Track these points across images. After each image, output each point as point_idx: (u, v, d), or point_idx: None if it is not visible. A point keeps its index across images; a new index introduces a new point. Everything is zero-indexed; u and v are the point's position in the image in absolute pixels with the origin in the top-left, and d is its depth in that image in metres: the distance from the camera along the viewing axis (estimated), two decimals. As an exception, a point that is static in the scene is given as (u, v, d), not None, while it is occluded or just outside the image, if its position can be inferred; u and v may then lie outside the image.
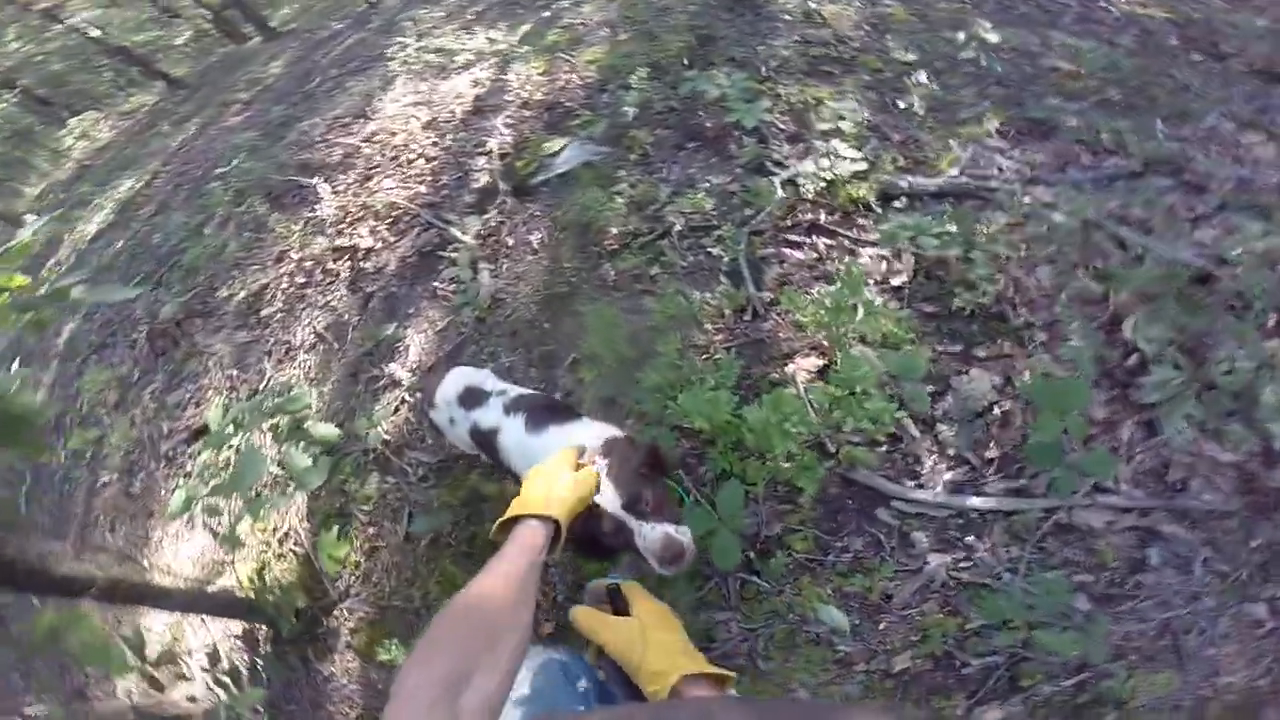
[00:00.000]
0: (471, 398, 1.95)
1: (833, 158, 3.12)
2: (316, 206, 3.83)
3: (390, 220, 3.60)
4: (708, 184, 3.21)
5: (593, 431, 1.59)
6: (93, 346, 4.16)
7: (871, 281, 2.57)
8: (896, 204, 2.94)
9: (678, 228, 3.03)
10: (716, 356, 2.46)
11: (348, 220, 3.68)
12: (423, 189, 3.73)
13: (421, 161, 3.98)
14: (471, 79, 4.60)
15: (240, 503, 2.43)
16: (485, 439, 1.85)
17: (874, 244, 2.79)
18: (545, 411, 1.74)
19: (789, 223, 2.96)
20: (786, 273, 2.75)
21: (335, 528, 2.54)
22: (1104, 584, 1.72)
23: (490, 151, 3.82)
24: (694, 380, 2.30)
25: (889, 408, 1.98)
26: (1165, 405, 1.94)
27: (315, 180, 3.98)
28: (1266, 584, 1.64)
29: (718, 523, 1.92)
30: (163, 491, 3.15)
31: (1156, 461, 1.89)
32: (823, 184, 3.03)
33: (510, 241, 3.29)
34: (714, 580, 2.04)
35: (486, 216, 3.44)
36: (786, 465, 1.96)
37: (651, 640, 1.00)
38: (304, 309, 3.41)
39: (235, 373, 3.35)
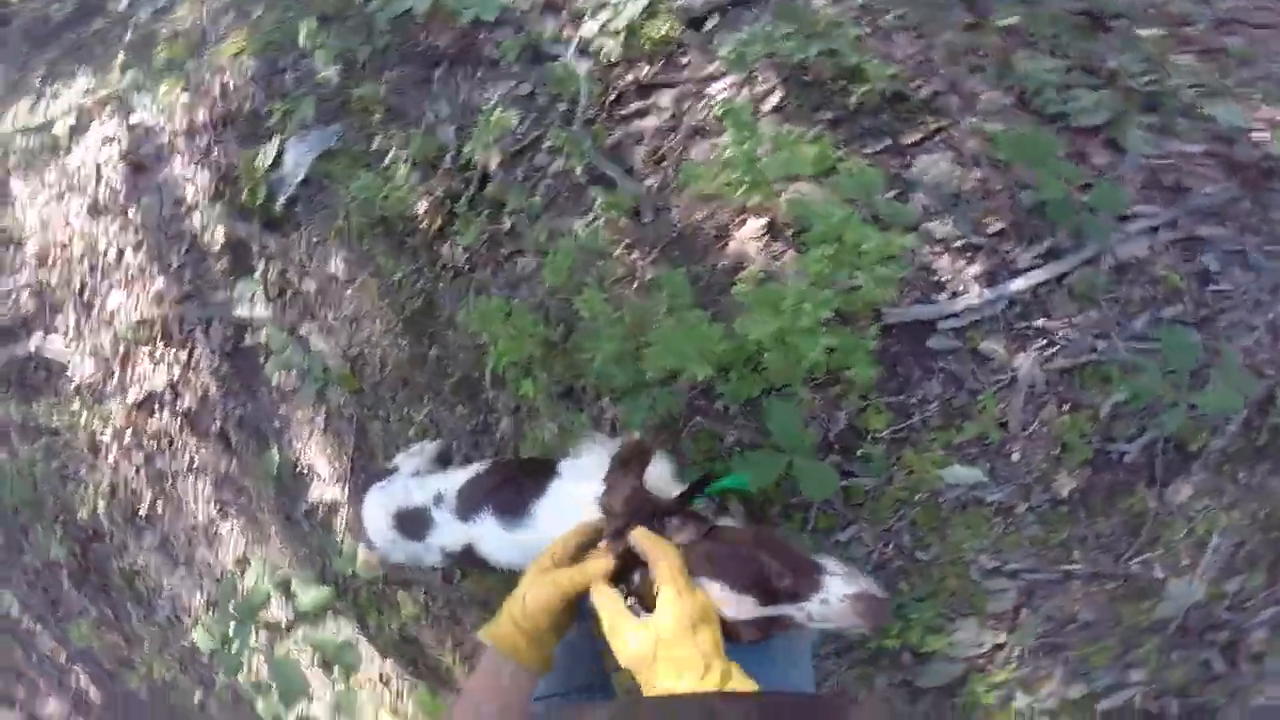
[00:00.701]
0: (411, 524, 1.53)
1: (610, 7, 2.55)
2: (65, 370, 3.04)
3: (159, 339, 2.85)
4: (492, 101, 2.51)
5: (589, 470, 1.24)
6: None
7: (751, 102, 2.16)
8: (709, 24, 2.49)
9: (495, 164, 2.34)
10: (648, 279, 1.95)
11: (114, 367, 2.95)
12: (159, 285, 2.92)
13: (129, 254, 3.02)
14: (100, 138, 3.42)
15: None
16: (467, 559, 1.45)
17: (721, 75, 2.34)
18: (512, 488, 1.38)
19: (615, 95, 2.39)
20: (653, 147, 2.22)
21: (421, 684, 2.28)
22: (1192, 308, 1.57)
23: (196, 204, 2.83)
24: (646, 322, 1.79)
25: (892, 239, 1.64)
26: (1115, 124, 1.81)
27: (33, 340, 3.13)
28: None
29: (785, 455, 1.55)
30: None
31: (1144, 175, 1.76)
32: (620, 39, 2.47)
33: (310, 286, 2.41)
34: (814, 508, 1.69)
35: (257, 274, 2.56)
36: (823, 358, 1.57)
37: (662, 658, 0.80)
38: (174, 485, 2.88)
39: (180, 584, 2.92)
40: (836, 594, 0.92)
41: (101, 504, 3.07)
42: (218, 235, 2.65)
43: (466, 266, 2.18)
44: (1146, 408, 1.48)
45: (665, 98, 2.31)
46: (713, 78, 2.32)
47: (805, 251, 1.63)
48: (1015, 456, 1.59)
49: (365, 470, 2.30)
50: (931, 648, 1.59)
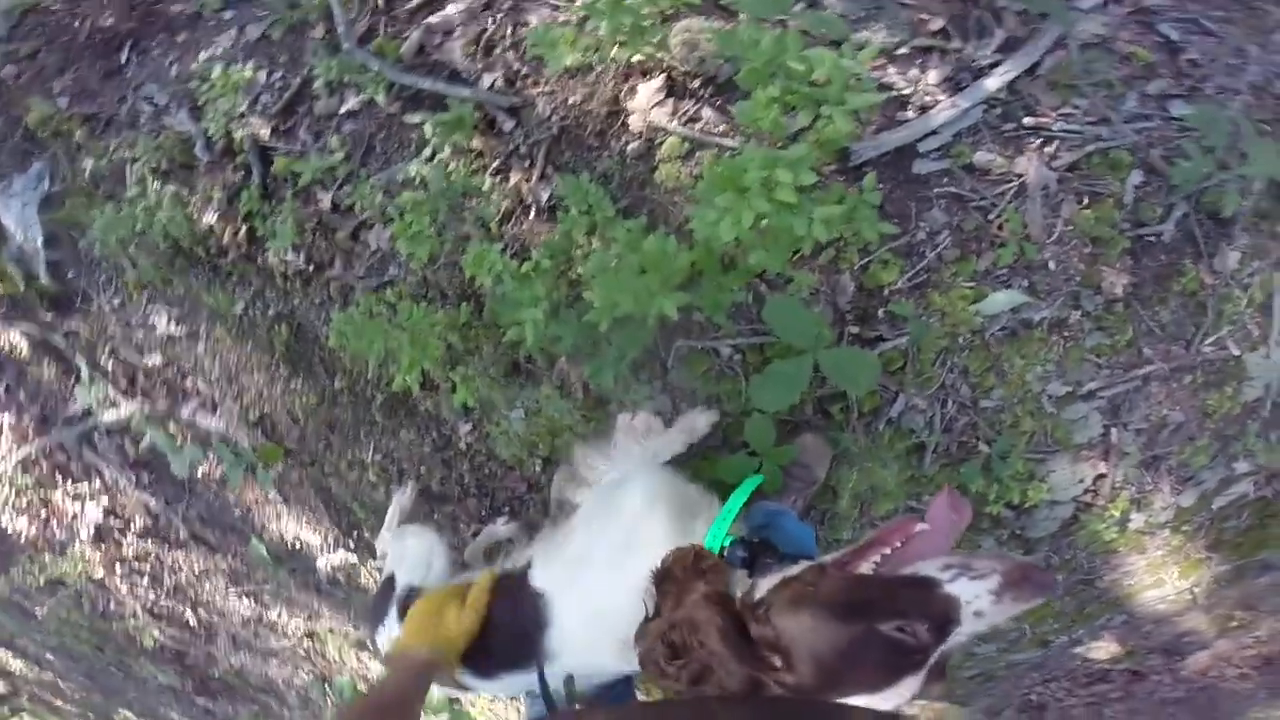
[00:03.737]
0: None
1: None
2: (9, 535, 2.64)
3: (60, 477, 2.46)
4: (208, 58, 1.78)
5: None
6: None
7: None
8: None
9: (266, 133, 1.70)
10: (544, 200, 1.46)
11: (45, 516, 2.60)
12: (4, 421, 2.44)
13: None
14: None
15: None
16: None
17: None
18: None
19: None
20: (472, 36, 1.58)
21: None
22: (1169, 80, 1.41)
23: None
24: (569, 258, 1.36)
25: (848, 58, 1.14)
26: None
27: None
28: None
29: (805, 355, 1.30)
30: None
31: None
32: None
33: (154, 360, 1.97)
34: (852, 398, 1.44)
35: (84, 372, 2.03)
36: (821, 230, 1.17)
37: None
38: (198, 593, 2.64)
39: (281, 670, 2.79)
40: (978, 597, 0.68)
41: (155, 631, 2.89)
42: (13, 342, 2.06)
43: (310, 268, 1.65)
44: (1169, 182, 1.33)
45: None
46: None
47: (741, 101, 1.15)
48: (1051, 265, 1.34)
49: (359, 527, 2.00)
50: (1032, 500, 1.42)
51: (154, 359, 1.92)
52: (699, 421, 1.38)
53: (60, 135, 1.86)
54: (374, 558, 1.71)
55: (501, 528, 1.67)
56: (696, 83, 1.40)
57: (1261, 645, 2.13)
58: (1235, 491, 1.47)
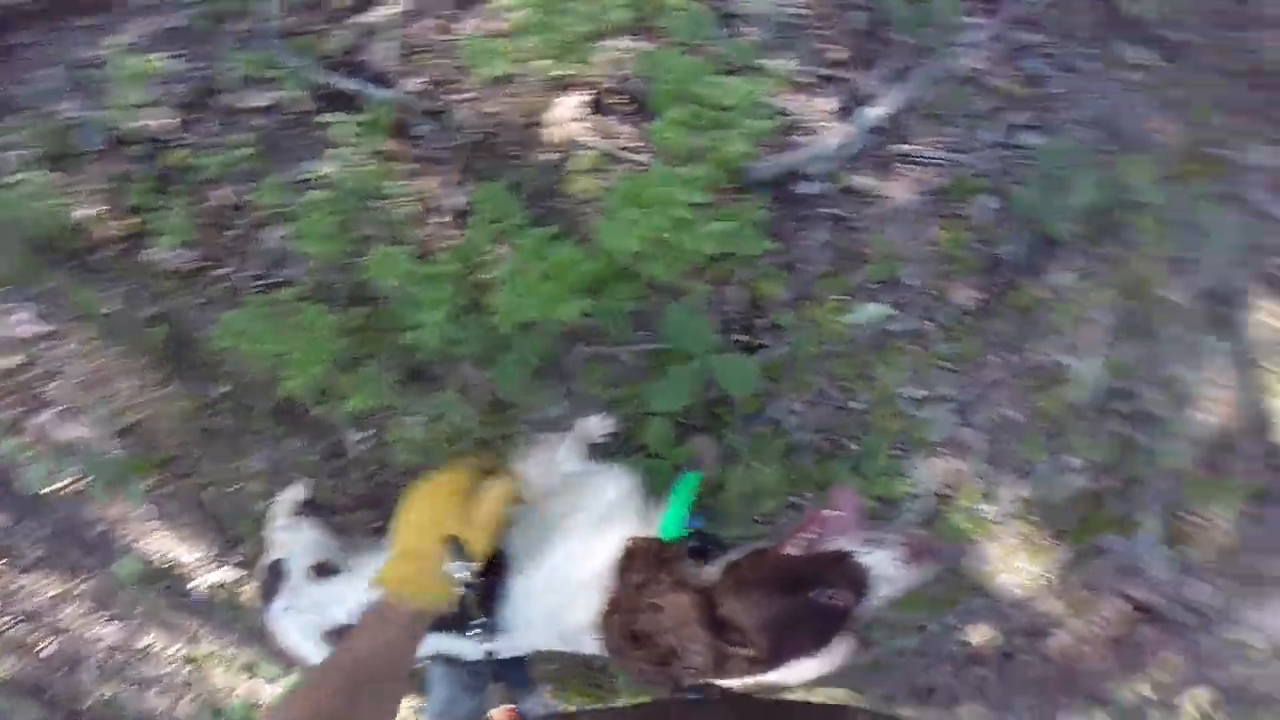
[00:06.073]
0: None
1: None
2: None
3: None
4: (117, 45, 1.68)
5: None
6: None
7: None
8: None
9: (170, 125, 1.64)
10: (458, 204, 1.47)
11: None
12: None
13: None
14: None
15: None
16: None
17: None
18: None
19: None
20: (402, 40, 1.58)
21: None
22: (1031, 113, 1.60)
23: None
24: (475, 263, 1.38)
25: (754, 84, 1.24)
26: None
27: None
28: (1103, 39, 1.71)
29: (695, 361, 1.40)
30: None
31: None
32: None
33: (13, 360, 1.76)
34: (733, 399, 1.53)
35: None
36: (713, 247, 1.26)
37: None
38: (56, 621, 2.24)
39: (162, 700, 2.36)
40: (887, 565, 0.83)
41: (8, 662, 2.50)
42: None
43: (198, 266, 1.58)
44: (1011, 208, 1.51)
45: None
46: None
47: (652, 121, 1.23)
48: (914, 282, 1.51)
49: (242, 542, 1.87)
50: (898, 494, 1.57)
51: (12, 359, 1.75)
52: (598, 426, 1.42)
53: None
54: (256, 579, 1.61)
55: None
56: (617, 99, 1.47)
57: (1108, 626, 2.41)
58: (1069, 484, 1.68)
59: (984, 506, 1.64)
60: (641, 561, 0.91)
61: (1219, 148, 1.63)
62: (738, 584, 0.86)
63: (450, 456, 1.59)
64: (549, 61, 1.34)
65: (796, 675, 0.84)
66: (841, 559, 0.84)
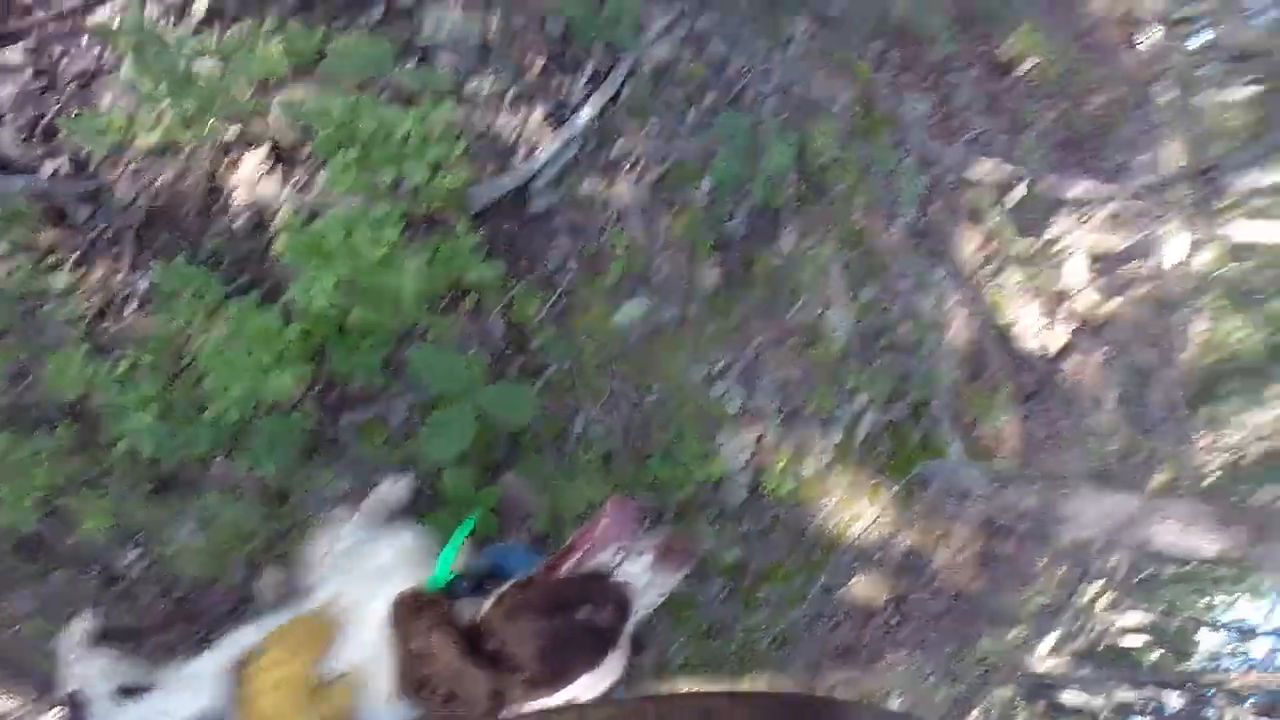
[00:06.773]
0: None
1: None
2: None
3: None
4: None
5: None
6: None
7: (162, 20, 1.43)
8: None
9: None
10: (138, 289, 1.33)
11: None
12: None
13: None
14: None
15: None
16: None
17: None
18: None
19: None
20: (30, 119, 1.43)
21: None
22: (723, 93, 1.67)
23: None
24: (174, 348, 1.26)
25: (428, 113, 1.22)
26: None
27: None
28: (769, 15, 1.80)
29: (464, 400, 1.33)
30: None
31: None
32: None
33: None
34: (534, 430, 1.51)
35: None
36: (434, 283, 1.22)
37: None
38: None
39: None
40: (642, 573, 0.88)
41: None
42: None
43: None
44: (730, 184, 1.58)
45: (16, 52, 1.47)
46: (91, 4, 1.49)
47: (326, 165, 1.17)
48: (663, 271, 1.55)
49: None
50: (716, 475, 1.58)
51: None
52: (391, 490, 1.34)
53: None
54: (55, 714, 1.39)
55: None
56: (303, 150, 1.39)
57: (966, 547, 2.54)
58: (867, 421, 1.78)
59: (801, 466, 1.69)
60: (404, 612, 0.92)
61: (885, 103, 1.81)
62: (506, 614, 0.87)
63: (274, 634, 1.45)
64: (214, 122, 1.25)
65: (581, 691, 0.85)
66: (601, 578, 0.88)
